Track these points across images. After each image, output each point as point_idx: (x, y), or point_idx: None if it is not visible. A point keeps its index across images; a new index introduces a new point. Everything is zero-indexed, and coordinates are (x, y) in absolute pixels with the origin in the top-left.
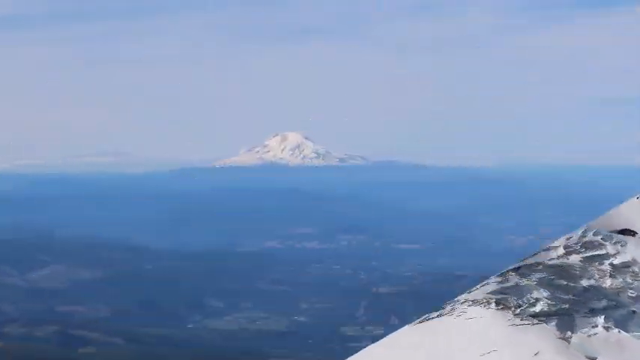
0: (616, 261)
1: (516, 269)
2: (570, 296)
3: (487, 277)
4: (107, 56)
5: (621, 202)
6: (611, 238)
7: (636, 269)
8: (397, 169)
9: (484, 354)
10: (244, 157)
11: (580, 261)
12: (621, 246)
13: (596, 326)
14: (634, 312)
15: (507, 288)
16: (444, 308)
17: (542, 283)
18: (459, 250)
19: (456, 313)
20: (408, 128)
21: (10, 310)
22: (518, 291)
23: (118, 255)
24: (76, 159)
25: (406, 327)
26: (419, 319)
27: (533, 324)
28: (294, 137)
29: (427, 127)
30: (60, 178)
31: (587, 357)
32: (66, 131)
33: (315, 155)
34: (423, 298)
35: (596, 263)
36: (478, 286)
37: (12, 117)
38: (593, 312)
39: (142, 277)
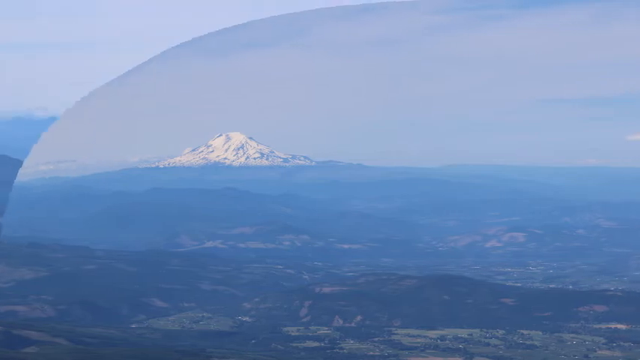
0: None
1: None
2: None
3: (430, 277)
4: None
5: (564, 201)
6: None
7: None
8: (340, 170)
9: None
10: (188, 157)
11: None
12: None
13: None
14: None
15: None
16: None
17: None
18: (402, 250)
19: None
20: (350, 129)
21: None
22: None
23: (59, 255)
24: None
25: None
26: None
27: None
28: (238, 137)
29: (369, 127)
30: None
31: None
32: None
33: (259, 155)
34: (367, 297)
35: None
36: None
37: None
38: None
39: (85, 277)
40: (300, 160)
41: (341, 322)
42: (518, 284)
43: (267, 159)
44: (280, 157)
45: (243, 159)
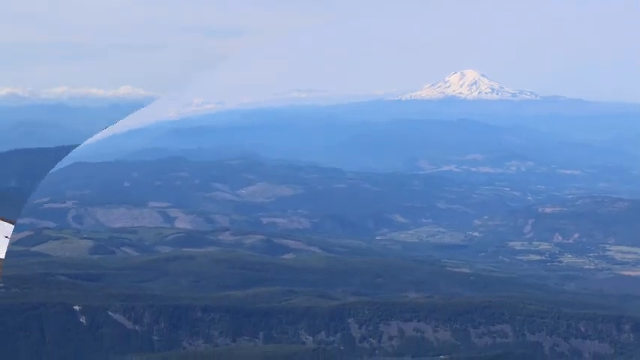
0: None
1: None
2: None
3: None
4: None
5: None
6: None
7: None
8: (562, 104)
9: None
10: (427, 92)
11: None
12: None
13: None
14: None
15: None
16: None
17: None
18: (618, 177)
19: None
20: (574, 66)
21: (224, 221)
22: None
23: (314, 175)
24: (277, 96)
25: None
26: None
27: None
28: (471, 74)
29: (592, 65)
30: (264, 112)
31: None
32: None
33: (490, 90)
34: (584, 217)
35: None
36: None
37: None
38: None
39: (336, 194)
40: (526, 95)
41: (560, 238)
42: None
43: (497, 94)
44: (509, 92)
45: (475, 94)
